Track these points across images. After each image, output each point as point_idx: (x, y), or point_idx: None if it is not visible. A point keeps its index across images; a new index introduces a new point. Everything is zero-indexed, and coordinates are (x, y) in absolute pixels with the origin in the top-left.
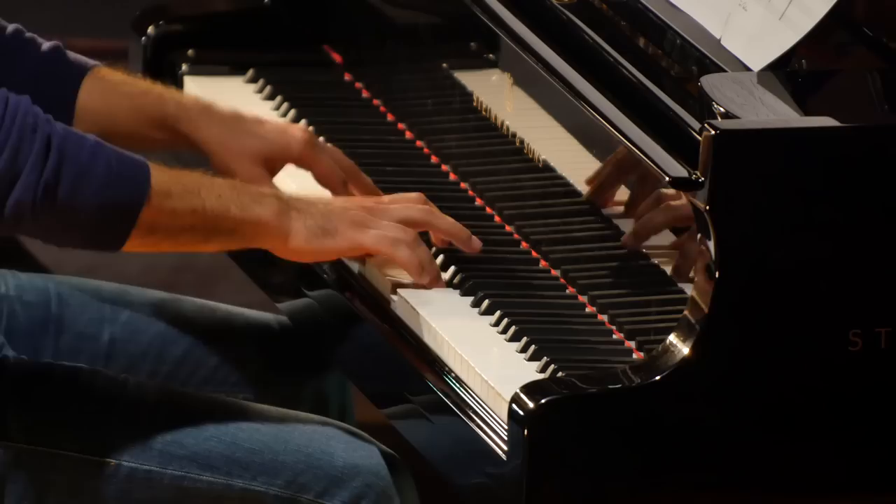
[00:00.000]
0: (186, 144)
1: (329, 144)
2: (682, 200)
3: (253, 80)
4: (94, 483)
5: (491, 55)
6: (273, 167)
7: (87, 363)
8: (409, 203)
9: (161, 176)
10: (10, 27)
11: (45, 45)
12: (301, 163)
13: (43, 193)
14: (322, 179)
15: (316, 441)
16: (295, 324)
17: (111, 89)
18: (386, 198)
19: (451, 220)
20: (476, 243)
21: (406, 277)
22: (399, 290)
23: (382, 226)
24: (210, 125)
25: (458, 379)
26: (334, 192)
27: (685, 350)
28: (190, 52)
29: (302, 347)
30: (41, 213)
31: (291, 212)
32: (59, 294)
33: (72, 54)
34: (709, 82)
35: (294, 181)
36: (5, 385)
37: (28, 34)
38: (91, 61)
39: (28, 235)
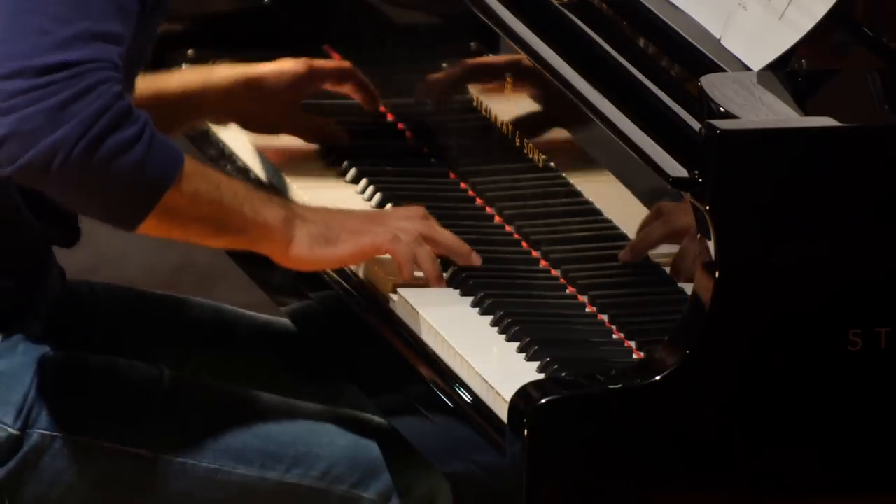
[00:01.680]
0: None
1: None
2: (682, 217)
3: None
4: (128, 474)
5: (491, 55)
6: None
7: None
8: (411, 216)
9: (190, 163)
10: None
11: None
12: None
13: (81, 150)
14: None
15: (351, 434)
16: (297, 327)
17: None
18: (387, 211)
19: (451, 234)
20: (476, 258)
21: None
22: (399, 290)
23: (383, 230)
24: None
25: (458, 379)
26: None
27: (685, 350)
28: (190, 51)
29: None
30: (70, 169)
31: (296, 220)
32: (99, 299)
33: None
34: (709, 82)
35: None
36: (44, 376)
37: None
38: None
39: (47, 191)
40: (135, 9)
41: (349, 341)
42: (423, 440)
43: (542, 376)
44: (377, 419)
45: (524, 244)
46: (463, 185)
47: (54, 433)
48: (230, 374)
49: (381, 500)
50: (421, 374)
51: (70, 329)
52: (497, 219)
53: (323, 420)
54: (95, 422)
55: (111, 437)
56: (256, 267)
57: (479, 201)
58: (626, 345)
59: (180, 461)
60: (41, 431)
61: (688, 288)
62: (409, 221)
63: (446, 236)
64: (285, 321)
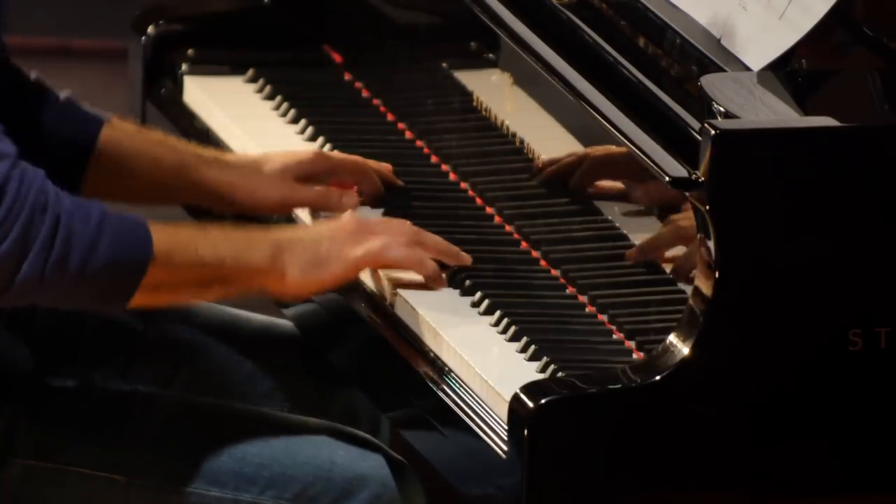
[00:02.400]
0: (204, 193)
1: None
2: (690, 221)
3: (253, 80)
4: (103, 499)
5: (491, 55)
6: (295, 176)
7: (110, 370)
8: (396, 222)
9: (161, 236)
10: (32, 75)
11: (61, 94)
12: (319, 163)
13: (52, 271)
14: (345, 170)
15: (325, 452)
16: (299, 329)
17: (129, 139)
18: (373, 221)
19: (437, 237)
20: (465, 258)
21: (405, 277)
22: (399, 291)
23: (371, 239)
24: (227, 171)
25: (458, 379)
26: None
27: (685, 350)
28: (190, 52)
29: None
30: (49, 288)
31: (283, 252)
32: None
33: (85, 105)
34: (709, 82)
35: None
36: (17, 400)
37: (46, 83)
38: (104, 113)
39: (35, 303)
40: None
41: (350, 342)
42: (422, 440)
43: (542, 376)
44: (364, 434)
45: (524, 244)
46: (463, 185)
47: (27, 460)
48: (223, 384)
49: None
50: (421, 375)
51: (64, 344)
52: (497, 219)
53: (303, 435)
54: (69, 447)
55: (85, 462)
56: None
57: (479, 201)
58: (626, 345)
59: (154, 486)
60: (13, 458)
61: (688, 288)
62: (396, 227)
63: (433, 240)
64: (286, 323)
